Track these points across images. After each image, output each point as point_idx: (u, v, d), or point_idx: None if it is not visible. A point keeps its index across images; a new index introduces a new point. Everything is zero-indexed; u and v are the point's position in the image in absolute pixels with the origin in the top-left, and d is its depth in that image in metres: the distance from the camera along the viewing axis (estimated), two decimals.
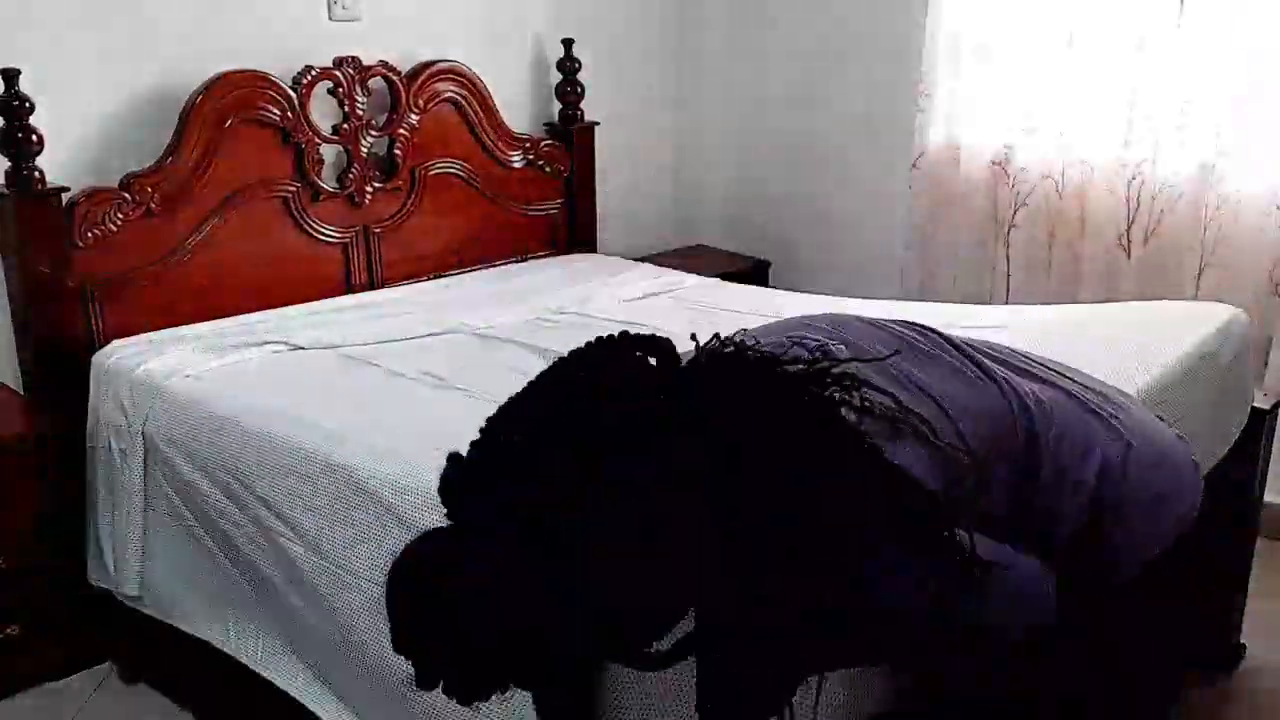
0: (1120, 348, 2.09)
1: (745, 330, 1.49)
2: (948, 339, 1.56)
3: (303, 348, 2.56)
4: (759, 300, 2.94)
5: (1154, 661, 2.12)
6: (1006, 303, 3.25)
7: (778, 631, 1.19)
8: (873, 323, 1.58)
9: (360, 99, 2.95)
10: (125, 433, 2.33)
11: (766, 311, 2.77)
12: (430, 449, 1.86)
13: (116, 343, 2.54)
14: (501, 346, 2.55)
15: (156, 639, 2.39)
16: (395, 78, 3.00)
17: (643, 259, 3.52)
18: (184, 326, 2.64)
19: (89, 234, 2.53)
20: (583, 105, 3.48)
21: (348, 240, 3.02)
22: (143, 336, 2.56)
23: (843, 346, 1.46)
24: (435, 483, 1.20)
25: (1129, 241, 3.00)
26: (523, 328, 2.70)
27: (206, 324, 2.67)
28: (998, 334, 2.29)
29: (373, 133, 3.00)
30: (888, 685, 1.45)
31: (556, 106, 3.50)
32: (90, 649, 2.50)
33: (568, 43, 3.40)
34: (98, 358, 2.50)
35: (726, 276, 3.37)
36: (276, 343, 2.56)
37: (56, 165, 2.51)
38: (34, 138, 2.42)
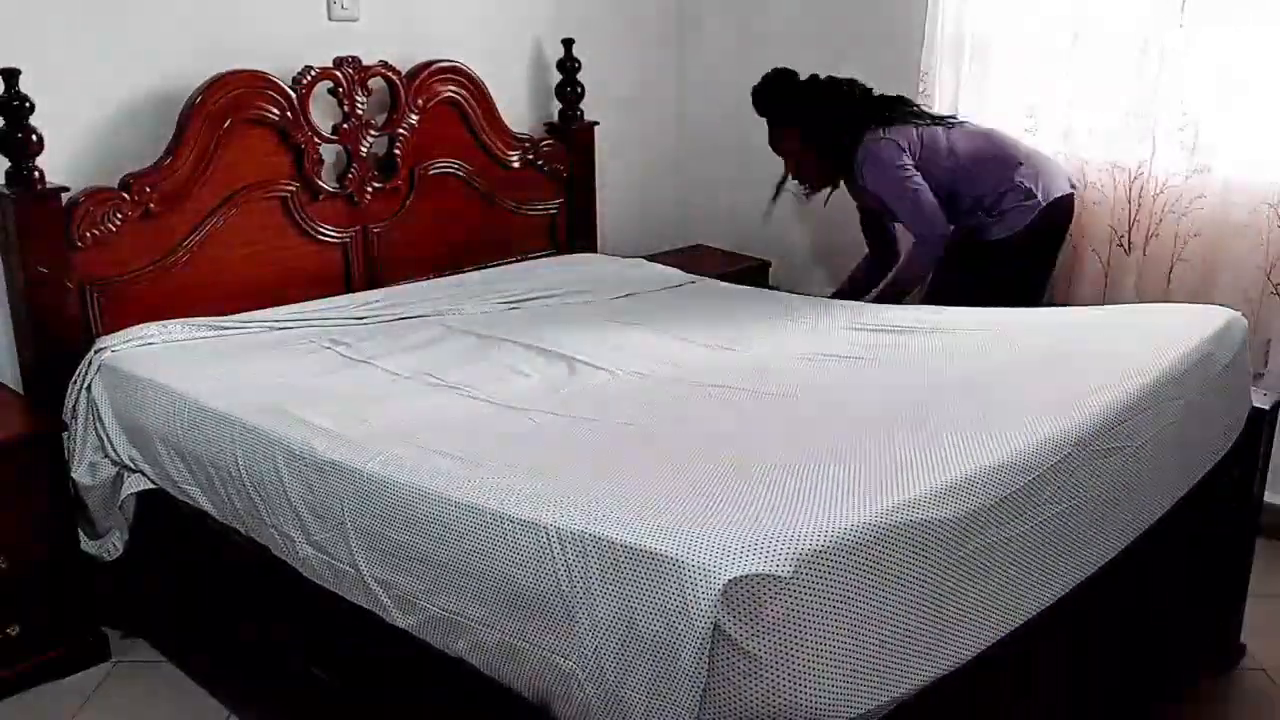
0: (1119, 351, 2.09)
1: None
2: None
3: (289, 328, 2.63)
4: (755, 299, 2.95)
5: (1144, 656, 2.13)
6: None
7: None
8: None
9: (360, 99, 2.95)
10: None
11: (768, 312, 2.78)
12: (418, 445, 1.90)
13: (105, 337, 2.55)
14: (498, 345, 2.56)
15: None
16: (395, 77, 3.00)
17: (642, 259, 3.52)
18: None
19: (88, 234, 2.53)
20: (582, 105, 3.48)
21: (347, 240, 3.02)
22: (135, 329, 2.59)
23: None
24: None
25: (1129, 241, 3.00)
26: (516, 324, 2.72)
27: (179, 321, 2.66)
28: (992, 335, 2.31)
29: (372, 132, 3.00)
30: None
31: (556, 106, 3.50)
32: (91, 649, 2.50)
33: (568, 43, 3.40)
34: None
35: (726, 276, 3.37)
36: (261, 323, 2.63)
37: (56, 165, 2.51)
38: (34, 138, 2.42)
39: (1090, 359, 2.08)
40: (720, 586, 1.32)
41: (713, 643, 1.32)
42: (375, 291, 2.99)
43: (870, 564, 1.41)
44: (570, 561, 1.50)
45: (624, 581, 1.44)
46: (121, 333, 2.54)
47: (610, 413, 2.04)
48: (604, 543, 1.47)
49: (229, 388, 2.27)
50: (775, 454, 1.74)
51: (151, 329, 2.56)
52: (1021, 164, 2.91)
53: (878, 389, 2.08)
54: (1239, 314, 2.28)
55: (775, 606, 1.32)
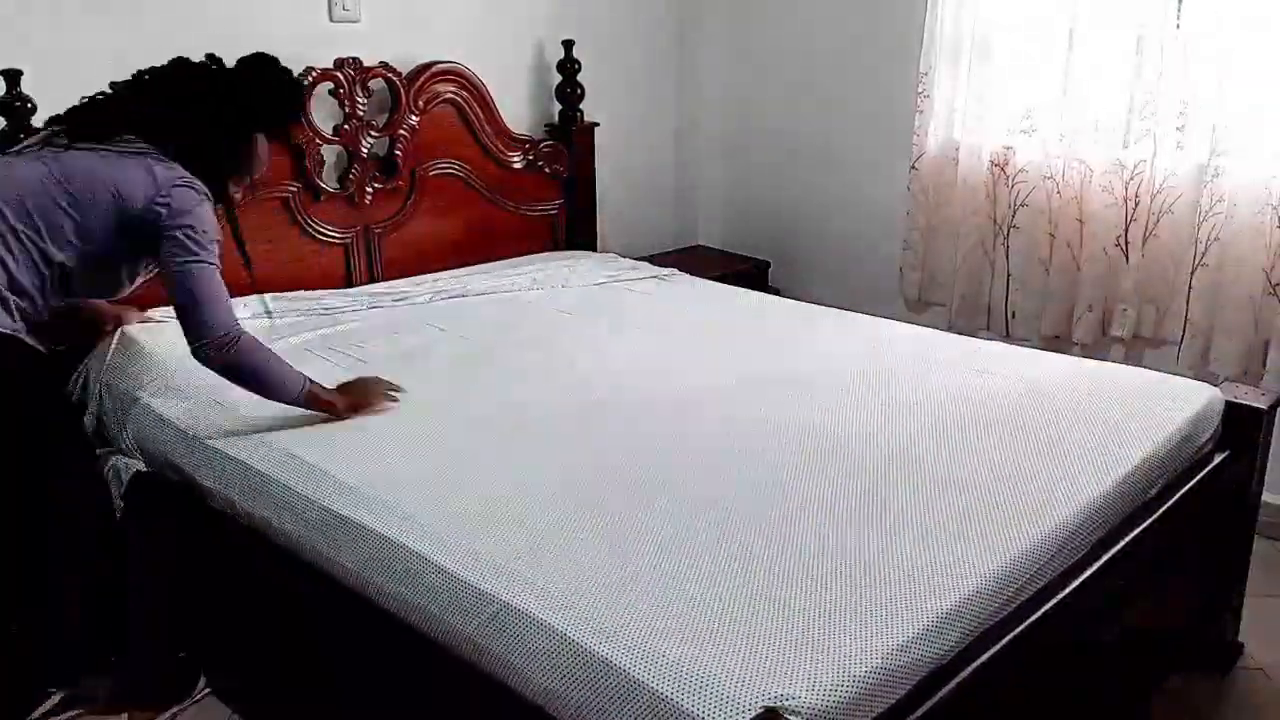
0: (1101, 426, 2.11)
1: None
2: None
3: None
4: (746, 302, 2.96)
5: (1142, 655, 2.13)
6: (1006, 303, 3.26)
7: None
8: None
9: (361, 100, 2.95)
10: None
11: (758, 310, 2.79)
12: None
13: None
14: (492, 352, 2.56)
15: None
16: (395, 79, 3.01)
17: (642, 259, 3.53)
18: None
19: None
20: (582, 106, 3.49)
21: (348, 240, 3.02)
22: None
23: None
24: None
25: (1127, 242, 3.01)
26: (509, 328, 2.72)
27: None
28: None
29: (373, 133, 3.01)
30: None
31: (556, 107, 3.51)
32: None
33: (568, 44, 3.41)
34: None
35: (725, 277, 3.38)
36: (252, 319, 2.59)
37: None
38: None
39: (1074, 434, 2.09)
40: None
41: None
42: (369, 288, 2.98)
43: (880, 704, 1.44)
44: (579, 674, 1.47)
45: (637, 712, 1.41)
46: (118, 334, 2.51)
47: (615, 459, 1.99)
48: (618, 671, 1.44)
49: (224, 413, 2.22)
50: (786, 558, 1.68)
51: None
52: None
53: (881, 440, 2.07)
54: (1216, 390, 2.27)
55: None
